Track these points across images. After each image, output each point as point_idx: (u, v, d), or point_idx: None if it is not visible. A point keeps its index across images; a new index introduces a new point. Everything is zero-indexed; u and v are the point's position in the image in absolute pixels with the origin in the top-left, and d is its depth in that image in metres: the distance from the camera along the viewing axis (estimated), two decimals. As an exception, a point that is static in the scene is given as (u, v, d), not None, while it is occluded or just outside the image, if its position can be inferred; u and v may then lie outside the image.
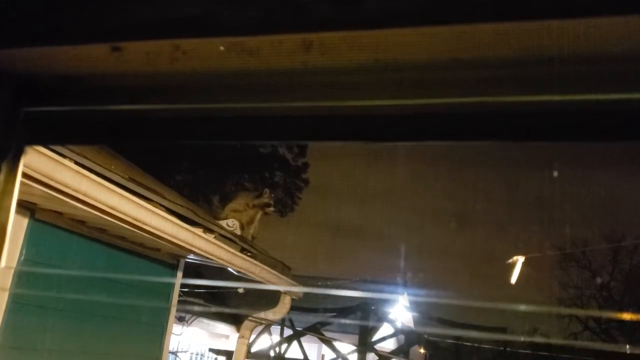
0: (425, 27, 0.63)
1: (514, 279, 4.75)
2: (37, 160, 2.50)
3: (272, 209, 6.57)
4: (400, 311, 13.97)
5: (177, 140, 0.81)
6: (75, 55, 0.75)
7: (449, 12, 0.62)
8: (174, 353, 10.69)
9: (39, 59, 0.77)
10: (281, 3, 0.64)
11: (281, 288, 5.94)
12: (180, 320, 9.72)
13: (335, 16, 0.63)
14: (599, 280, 19.78)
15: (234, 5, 0.64)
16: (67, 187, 2.75)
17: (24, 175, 2.40)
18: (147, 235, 3.78)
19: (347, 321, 12.74)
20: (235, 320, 12.01)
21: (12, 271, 3.36)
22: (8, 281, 3.32)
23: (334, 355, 11.78)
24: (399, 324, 13.56)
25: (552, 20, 0.62)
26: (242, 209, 6.30)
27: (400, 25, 0.63)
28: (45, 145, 2.33)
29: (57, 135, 0.90)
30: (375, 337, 12.62)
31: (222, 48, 0.69)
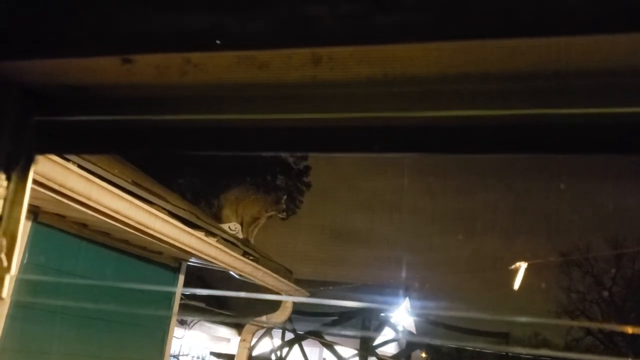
0: (433, 43, 0.64)
1: (516, 285, 4.74)
2: (41, 164, 2.51)
3: (285, 214, 6.63)
4: (401, 315, 13.96)
5: (187, 151, 0.82)
6: (87, 66, 0.76)
7: (457, 28, 0.63)
8: (176, 356, 10.69)
9: (51, 70, 0.78)
10: (291, 18, 0.65)
11: (283, 298, 5.94)
12: (182, 323, 9.72)
13: (344, 31, 0.64)
14: (601, 285, 19.73)
15: (244, 19, 0.65)
16: (70, 190, 2.76)
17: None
18: (149, 238, 3.79)
19: (349, 326, 12.72)
20: (237, 324, 12.00)
21: (14, 275, 3.36)
22: (11, 284, 3.32)
23: None
24: (400, 328, 13.54)
25: (559, 37, 0.63)
26: (259, 215, 6.34)
27: (408, 41, 0.63)
28: (55, 154, 2.35)
29: (67, 144, 0.91)
30: (376, 342, 12.60)
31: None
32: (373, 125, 0.72)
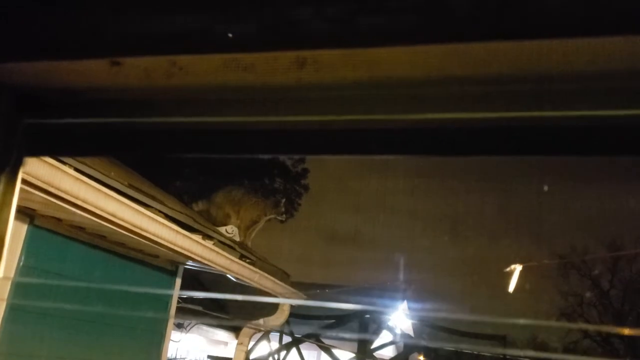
0: (419, 46, 0.65)
1: (511, 288, 4.75)
2: (36, 167, 2.52)
3: (284, 217, 6.70)
4: (399, 318, 13.95)
5: (174, 153, 0.83)
6: (76, 69, 0.77)
7: (441, 32, 0.63)
8: (173, 360, 10.65)
9: (41, 73, 0.78)
10: (276, 21, 0.65)
11: (280, 300, 5.94)
12: (179, 326, 9.70)
13: (329, 34, 0.64)
14: (598, 288, 19.74)
15: (230, 22, 0.66)
16: (66, 193, 2.76)
17: (24, 182, 2.42)
18: (146, 241, 3.79)
19: (346, 329, 12.71)
20: (234, 327, 11.98)
21: (11, 278, 3.36)
22: (6, 287, 3.32)
23: (332, 363, 11.74)
24: (398, 332, 13.53)
25: (543, 40, 0.63)
26: (258, 219, 6.41)
27: (393, 44, 0.64)
28: (44, 156, 2.35)
29: (56, 147, 0.92)
30: (374, 345, 12.58)
31: (218, 61, 0.70)
32: (359, 128, 0.73)
